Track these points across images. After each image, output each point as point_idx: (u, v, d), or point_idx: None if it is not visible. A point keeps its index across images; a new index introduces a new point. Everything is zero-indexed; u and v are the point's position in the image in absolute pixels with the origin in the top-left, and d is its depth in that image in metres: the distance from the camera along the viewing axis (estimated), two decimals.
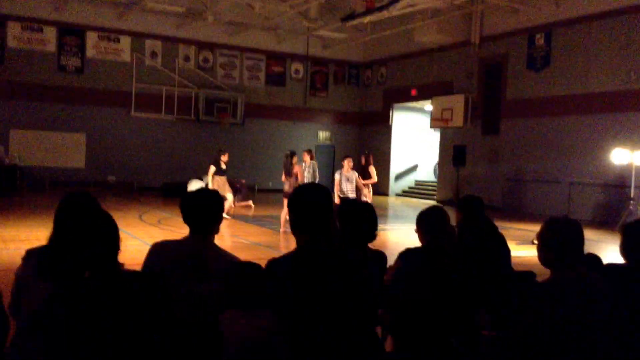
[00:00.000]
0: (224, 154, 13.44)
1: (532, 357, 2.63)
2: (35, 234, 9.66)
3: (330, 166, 25.03)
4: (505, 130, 18.82)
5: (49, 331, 2.06)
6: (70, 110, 19.97)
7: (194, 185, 15.19)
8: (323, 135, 25.06)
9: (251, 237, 10.98)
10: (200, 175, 16.53)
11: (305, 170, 12.01)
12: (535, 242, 2.81)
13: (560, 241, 2.70)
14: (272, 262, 2.46)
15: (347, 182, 11.09)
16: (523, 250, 8.88)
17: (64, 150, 19.98)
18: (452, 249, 3.53)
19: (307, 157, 12.27)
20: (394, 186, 24.33)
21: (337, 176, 11.27)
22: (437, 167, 22.80)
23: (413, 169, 24.68)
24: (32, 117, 19.46)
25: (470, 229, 4.03)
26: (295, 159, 11.58)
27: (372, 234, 3.37)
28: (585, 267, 2.78)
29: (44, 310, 2.11)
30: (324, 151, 24.97)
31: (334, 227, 2.50)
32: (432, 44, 20.89)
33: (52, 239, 2.63)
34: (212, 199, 2.95)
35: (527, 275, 4.08)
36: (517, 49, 18.41)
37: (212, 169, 13.24)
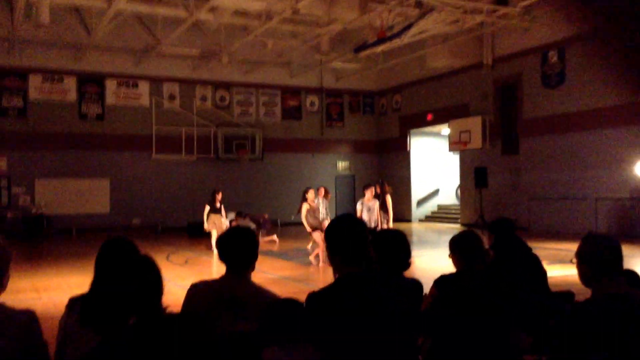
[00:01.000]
0: (217, 193, 14.18)
1: None
2: (66, 281, 9.77)
3: (351, 196, 25.04)
4: (525, 149, 18.71)
5: None
6: (93, 157, 20.34)
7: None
8: (342, 165, 25.14)
9: (279, 271, 10.97)
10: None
11: (321, 205, 12.17)
12: (574, 260, 2.78)
13: (598, 258, 2.66)
14: (313, 296, 2.46)
15: (368, 212, 11.07)
16: (556, 270, 8.74)
17: (89, 196, 20.28)
18: (488, 273, 3.50)
19: (321, 191, 12.56)
20: (417, 212, 24.21)
21: (358, 206, 11.30)
22: (458, 190, 22.67)
23: (434, 193, 24.57)
24: (56, 166, 19.84)
25: (504, 251, 4.01)
26: (309, 193, 11.69)
27: (406, 262, 3.37)
28: (625, 284, 2.74)
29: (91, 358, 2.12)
30: (343, 181, 25.03)
31: (371, 257, 2.51)
32: (445, 68, 21.02)
33: (94, 285, 2.67)
34: (247, 237, 2.98)
35: (566, 295, 4.02)
36: (531, 68, 18.43)
37: (207, 208, 14.01)
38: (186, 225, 19.61)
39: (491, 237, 4.28)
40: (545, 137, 17.97)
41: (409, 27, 14.49)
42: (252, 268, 2.99)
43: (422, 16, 14.03)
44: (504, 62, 19.41)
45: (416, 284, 3.42)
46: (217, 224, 13.99)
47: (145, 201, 20.79)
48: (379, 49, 16.42)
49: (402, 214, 24.01)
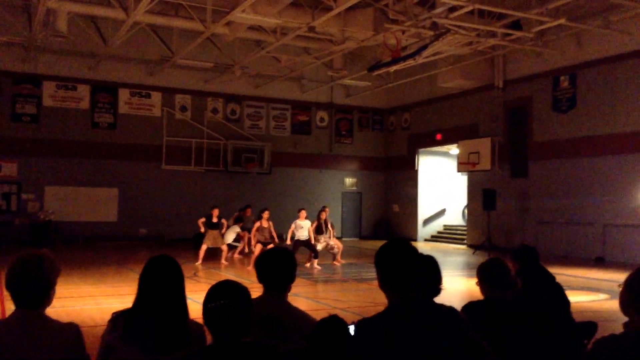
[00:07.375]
0: (214, 209, 14.78)
1: None
2: (77, 290, 9.78)
3: (357, 212, 25.08)
4: (534, 173, 18.75)
5: None
6: (103, 166, 20.43)
7: (229, 235, 15.49)
8: (349, 181, 25.20)
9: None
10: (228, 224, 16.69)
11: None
12: (620, 286, 2.79)
13: None
14: (364, 322, 2.45)
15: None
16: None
17: (97, 204, 20.34)
18: (516, 301, 3.52)
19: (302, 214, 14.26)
20: (422, 231, 24.19)
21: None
22: (465, 210, 22.67)
23: (441, 213, 24.57)
24: (66, 173, 19.94)
25: (530, 280, 4.03)
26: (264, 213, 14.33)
27: (437, 288, 3.38)
28: None
29: None
30: (350, 198, 25.06)
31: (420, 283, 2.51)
32: (456, 88, 21.14)
33: (138, 302, 2.71)
34: (286, 258, 3.02)
35: (590, 325, 4.04)
36: (542, 92, 18.53)
37: (203, 220, 14.41)
38: (192, 237, 19.64)
39: (515, 265, 4.30)
40: (555, 161, 18.01)
41: (424, 48, 14.60)
42: (289, 290, 3.03)
43: (436, 38, 14.14)
44: (514, 85, 19.52)
45: (455, 312, 3.41)
46: (212, 239, 14.51)
47: (152, 211, 20.84)
48: (393, 68, 16.55)
49: (408, 232, 24.01)
